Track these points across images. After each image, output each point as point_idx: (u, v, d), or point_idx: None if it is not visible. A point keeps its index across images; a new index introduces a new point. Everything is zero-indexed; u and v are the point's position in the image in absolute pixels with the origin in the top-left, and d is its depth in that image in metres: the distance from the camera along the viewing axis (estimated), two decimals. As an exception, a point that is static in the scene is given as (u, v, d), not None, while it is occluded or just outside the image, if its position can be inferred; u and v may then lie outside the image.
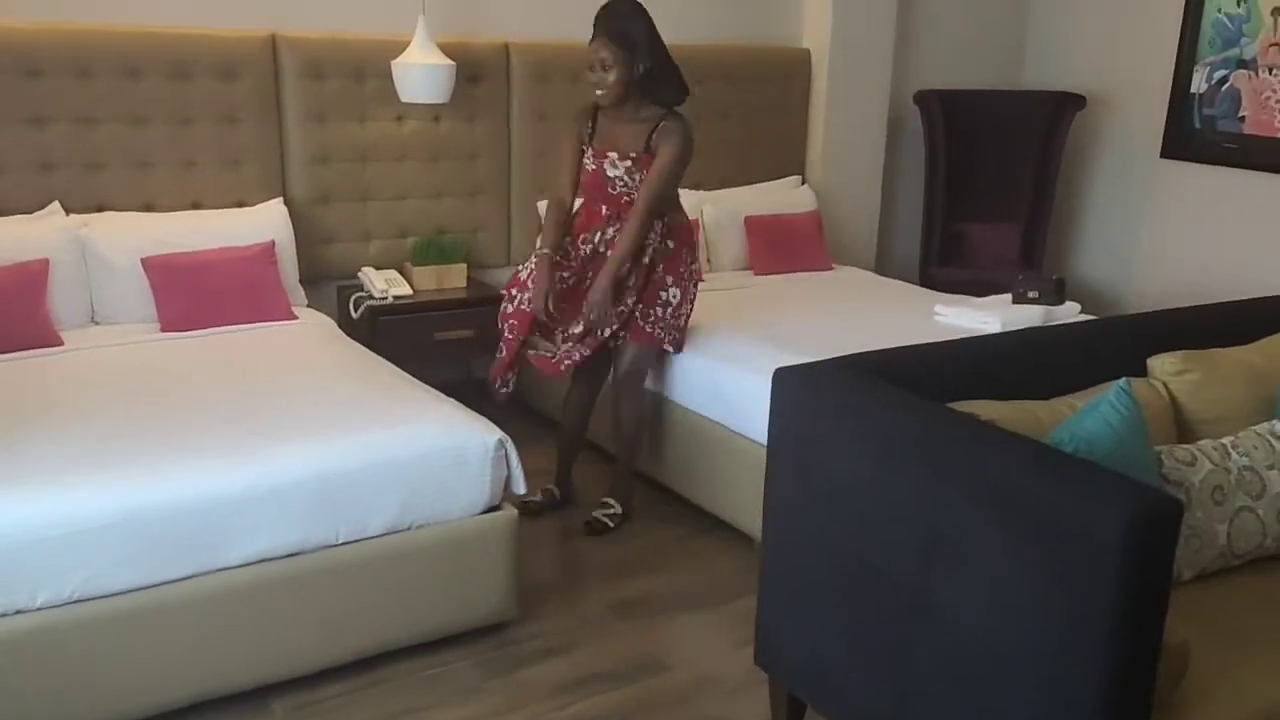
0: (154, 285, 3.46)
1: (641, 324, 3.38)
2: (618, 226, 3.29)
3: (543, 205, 4.37)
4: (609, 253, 3.27)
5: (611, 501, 3.51)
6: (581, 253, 3.35)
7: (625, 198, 3.29)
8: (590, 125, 3.35)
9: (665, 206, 3.31)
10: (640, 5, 3.23)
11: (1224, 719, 1.83)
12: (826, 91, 4.94)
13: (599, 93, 3.22)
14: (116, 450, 2.45)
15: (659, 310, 3.39)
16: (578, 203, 3.42)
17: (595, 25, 3.20)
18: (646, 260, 3.31)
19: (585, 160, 3.33)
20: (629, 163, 3.26)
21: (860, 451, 2.06)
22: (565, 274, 3.35)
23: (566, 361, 3.33)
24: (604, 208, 3.33)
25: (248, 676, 2.49)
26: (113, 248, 3.48)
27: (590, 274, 3.32)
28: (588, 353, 3.33)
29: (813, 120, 5.04)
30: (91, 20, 3.56)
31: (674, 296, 3.39)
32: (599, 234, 3.33)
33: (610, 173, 3.28)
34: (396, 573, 2.62)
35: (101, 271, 3.47)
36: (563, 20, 4.39)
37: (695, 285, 3.47)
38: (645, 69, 3.19)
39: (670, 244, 3.36)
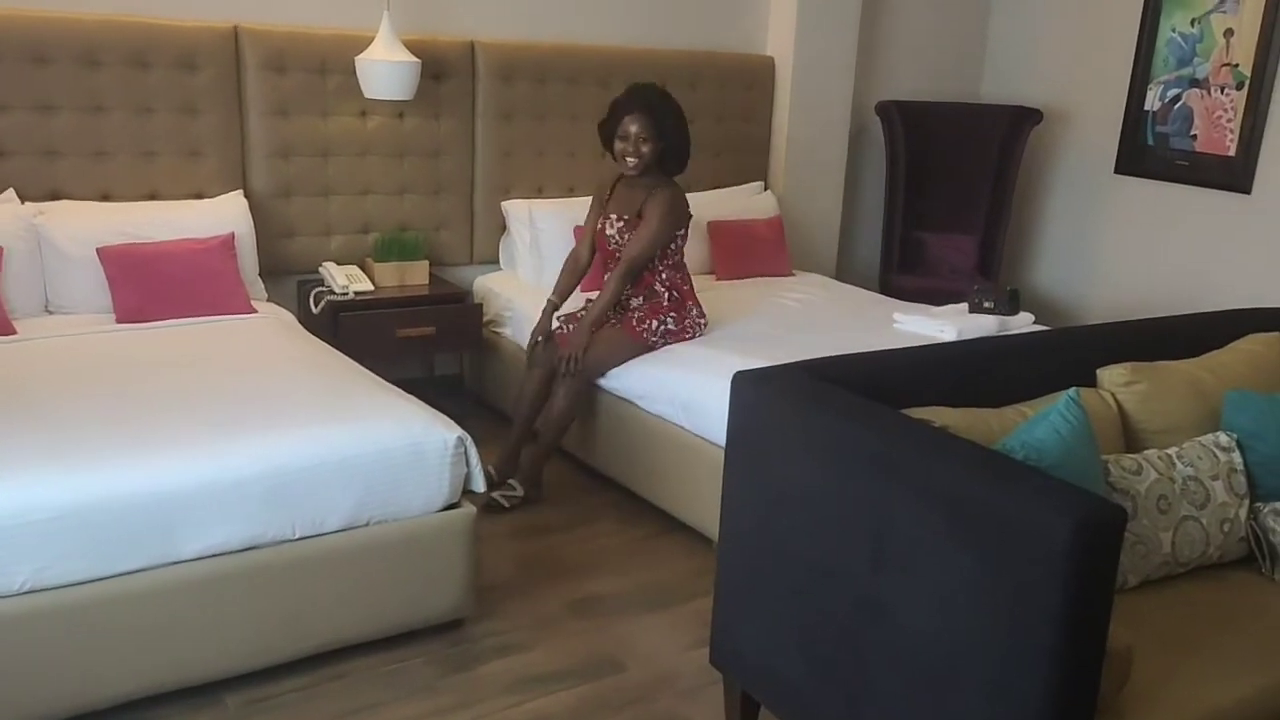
0: (110, 275, 3.42)
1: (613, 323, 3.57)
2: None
3: (507, 204, 4.40)
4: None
5: (515, 484, 3.59)
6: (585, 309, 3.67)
7: (617, 254, 3.62)
8: (609, 193, 3.69)
9: (648, 260, 3.59)
10: (676, 101, 3.62)
11: (1165, 722, 1.88)
12: (790, 99, 4.99)
13: (630, 162, 3.52)
14: (69, 441, 2.42)
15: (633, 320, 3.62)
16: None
17: (633, 103, 3.51)
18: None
19: (600, 222, 3.67)
20: (622, 223, 3.59)
21: (815, 455, 2.09)
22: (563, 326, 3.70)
23: None
24: (606, 267, 3.68)
25: (201, 671, 2.47)
26: (68, 237, 3.43)
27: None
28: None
29: (776, 127, 5.09)
30: (51, 8, 3.51)
31: (652, 326, 3.61)
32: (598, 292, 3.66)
33: (608, 232, 3.62)
34: (353, 569, 2.61)
35: (56, 260, 3.42)
36: (528, 20, 4.41)
37: (661, 334, 3.62)
38: (669, 145, 3.55)
39: (653, 299, 3.64)
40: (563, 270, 3.78)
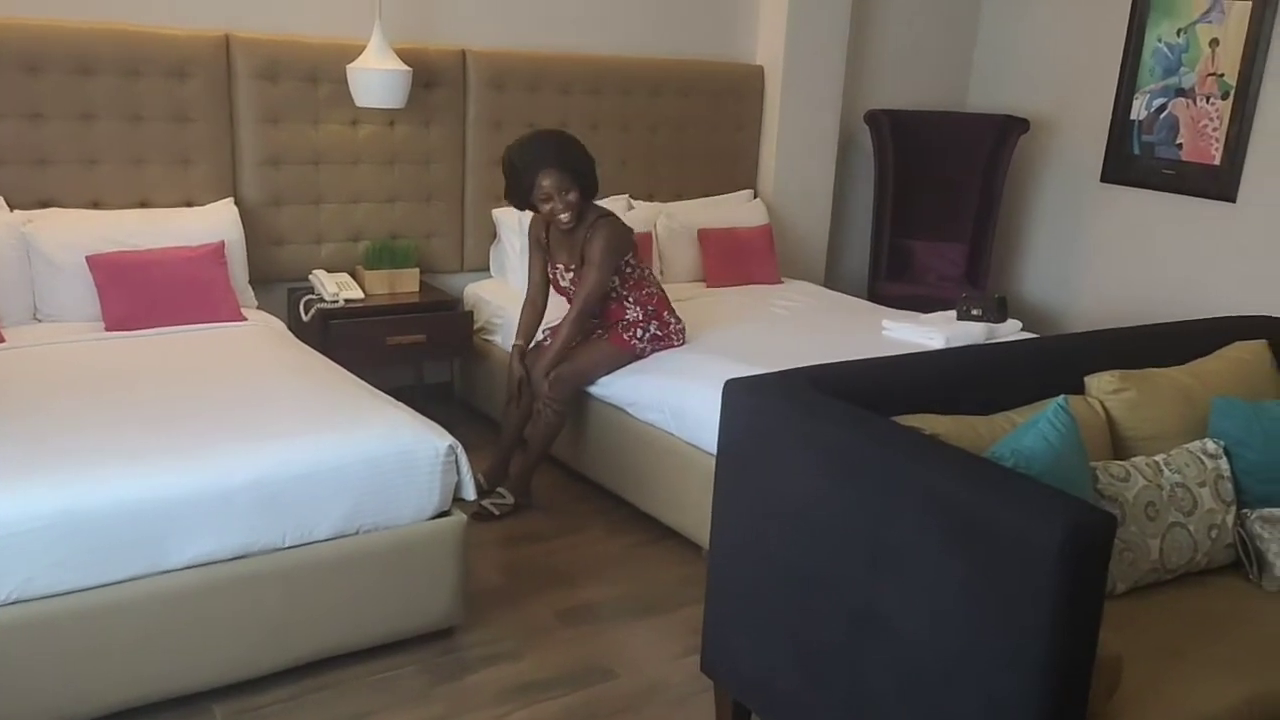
0: (99, 283, 3.41)
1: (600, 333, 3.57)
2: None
3: (498, 212, 4.40)
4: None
5: (505, 492, 3.61)
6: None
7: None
8: (545, 237, 3.64)
9: (600, 298, 3.59)
10: (569, 134, 3.57)
11: (1153, 728, 1.89)
12: (779, 108, 5.01)
13: (564, 218, 3.45)
14: (58, 450, 2.41)
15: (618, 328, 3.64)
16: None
17: (548, 162, 3.39)
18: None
19: (549, 270, 3.68)
20: (571, 273, 3.60)
21: (806, 463, 2.10)
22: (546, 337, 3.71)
23: None
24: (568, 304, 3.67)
25: (189, 681, 2.46)
26: (57, 245, 3.42)
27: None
28: None
29: (765, 135, 5.11)
30: (42, 15, 3.51)
31: (638, 334, 3.62)
32: None
33: (562, 284, 3.66)
34: (343, 577, 2.60)
35: (45, 268, 3.41)
36: (519, 29, 4.42)
37: (649, 340, 3.64)
38: (585, 182, 3.49)
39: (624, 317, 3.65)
40: (521, 317, 3.70)
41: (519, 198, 3.51)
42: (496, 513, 3.54)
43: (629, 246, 3.59)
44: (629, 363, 3.61)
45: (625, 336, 3.61)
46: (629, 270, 3.62)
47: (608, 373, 3.60)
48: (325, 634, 2.62)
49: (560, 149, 3.42)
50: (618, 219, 3.57)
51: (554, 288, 3.70)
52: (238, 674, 2.53)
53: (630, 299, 3.64)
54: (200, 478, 2.41)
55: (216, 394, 2.83)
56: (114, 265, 3.43)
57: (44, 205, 3.56)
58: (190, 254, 3.56)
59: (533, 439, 3.62)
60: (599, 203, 3.63)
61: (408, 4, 4.12)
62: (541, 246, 3.65)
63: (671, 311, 3.72)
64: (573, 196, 3.42)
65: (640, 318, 3.64)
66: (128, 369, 3.02)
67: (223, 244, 3.64)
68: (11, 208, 3.48)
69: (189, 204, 3.81)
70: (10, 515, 2.20)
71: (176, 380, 2.93)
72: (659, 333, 3.65)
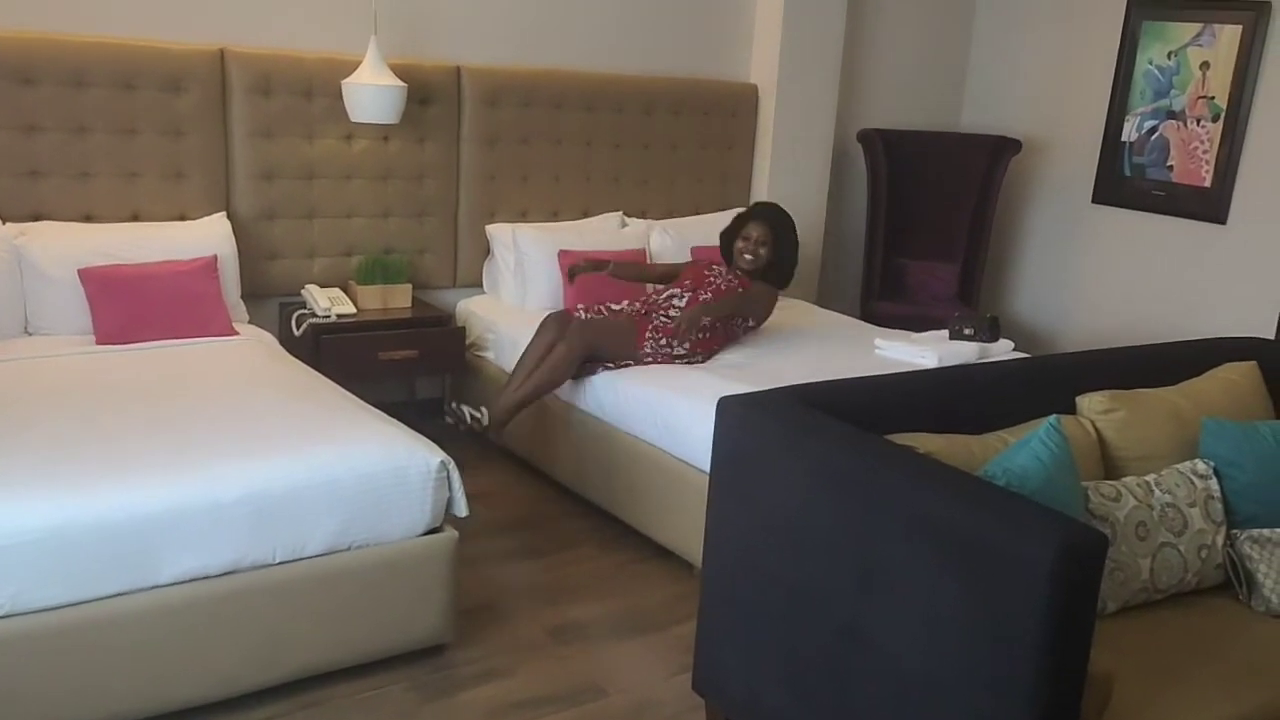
0: (91, 297, 3.41)
1: (646, 315, 3.82)
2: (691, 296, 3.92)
3: (491, 228, 4.41)
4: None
5: (485, 411, 3.73)
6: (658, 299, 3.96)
7: (706, 288, 3.95)
8: (705, 271, 4.04)
9: (715, 317, 3.88)
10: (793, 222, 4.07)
11: (1144, 748, 1.89)
12: (773, 127, 5.03)
13: (747, 258, 3.96)
14: (47, 463, 2.40)
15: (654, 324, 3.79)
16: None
17: (760, 214, 4.01)
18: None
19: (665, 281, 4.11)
20: (687, 297, 3.92)
21: (799, 480, 2.10)
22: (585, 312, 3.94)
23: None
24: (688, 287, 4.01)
25: (178, 696, 2.45)
26: (49, 258, 3.42)
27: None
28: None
29: (759, 154, 5.13)
30: (36, 28, 3.51)
31: (661, 341, 3.75)
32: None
33: (664, 293, 3.98)
34: (334, 594, 2.59)
35: (37, 281, 3.40)
36: (514, 45, 4.43)
37: (653, 353, 3.75)
38: (780, 258, 3.99)
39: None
40: (640, 267, 4.18)
41: (726, 242, 4.05)
42: (463, 423, 3.63)
43: (760, 315, 4.00)
44: (628, 360, 3.68)
45: (645, 337, 3.71)
46: (736, 324, 3.91)
47: (608, 349, 3.68)
48: (315, 650, 2.60)
49: (780, 218, 4.01)
50: (776, 295, 4.03)
51: (645, 283, 4.10)
52: (227, 690, 2.51)
53: (704, 335, 3.80)
54: (191, 492, 2.40)
55: (207, 408, 2.82)
56: (106, 278, 3.43)
57: (36, 218, 3.56)
58: (182, 268, 3.55)
59: (535, 377, 3.68)
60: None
61: (403, 20, 4.14)
62: (700, 271, 4.03)
63: (702, 355, 3.82)
64: (764, 251, 3.94)
65: (675, 344, 3.74)
66: (119, 383, 3.01)
67: (215, 258, 3.64)
68: (4, 220, 3.47)
69: (182, 218, 3.80)
70: (1, 528, 2.18)
71: (167, 394, 2.92)
72: (666, 351, 3.72)
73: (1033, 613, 1.65)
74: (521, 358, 3.83)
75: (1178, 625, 2.27)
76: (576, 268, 3.98)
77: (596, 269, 3.98)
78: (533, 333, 3.97)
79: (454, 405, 3.49)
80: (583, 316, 3.83)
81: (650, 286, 4.21)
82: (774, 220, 4.00)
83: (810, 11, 4.95)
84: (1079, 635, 1.70)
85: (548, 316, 3.87)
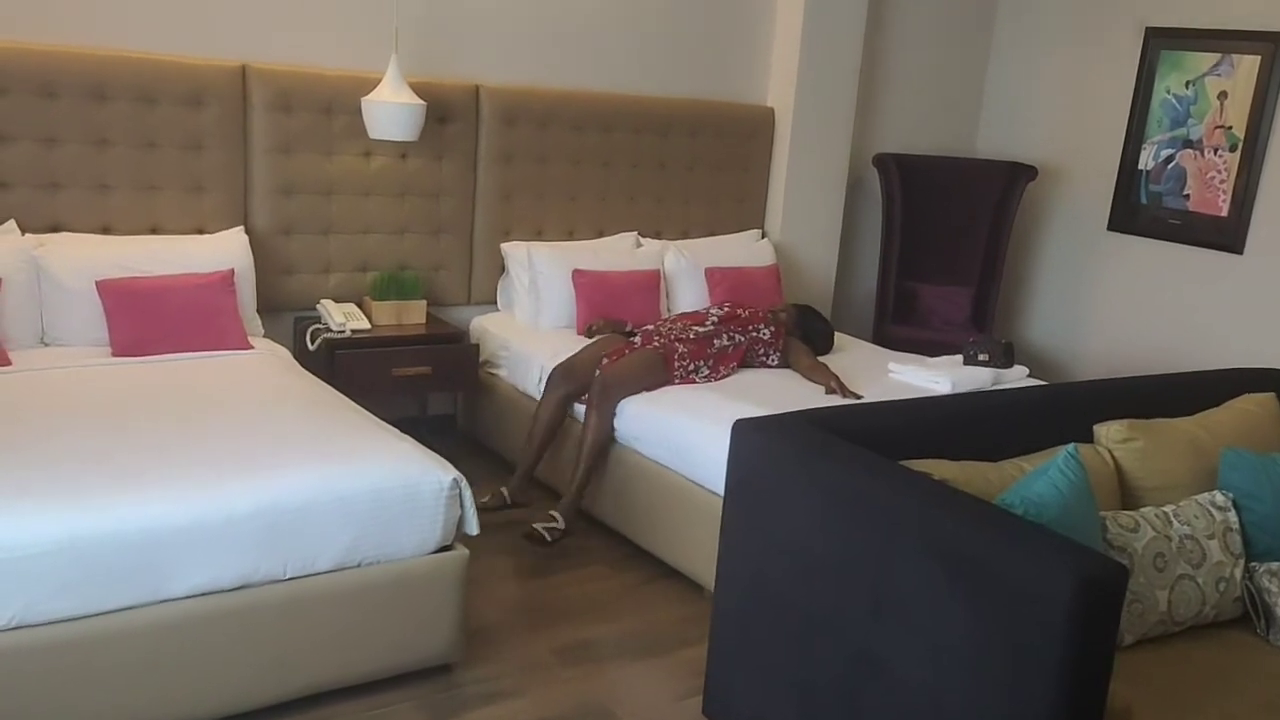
0: (108, 309, 3.42)
1: (674, 346, 3.79)
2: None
3: (507, 246, 4.42)
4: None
5: (557, 515, 3.53)
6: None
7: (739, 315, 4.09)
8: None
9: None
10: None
11: (1161, 783, 1.87)
12: (789, 149, 5.04)
13: (782, 315, 4.15)
14: (61, 475, 2.40)
15: (681, 351, 3.79)
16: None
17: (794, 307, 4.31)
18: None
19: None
20: (737, 332, 4.01)
21: (814, 505, 2.09)
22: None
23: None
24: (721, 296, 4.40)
25: (185, 711, 2.43)
26: (67, 269, 3.43)
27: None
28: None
29: (774, 176, 5.13)
30: (58, 42, 3.54)
31: (690, 365, 3.78)
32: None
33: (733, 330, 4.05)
34: (343, 610, 2.58)
35: (54, 292, 3.42)
36: (533, 66, 4.45)
37: (681, 372, 3.78)
38: (810, 330, 4.20)
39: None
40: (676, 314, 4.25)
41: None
42: (549, 539, 3.46)
43: (783, 360, 4.04)
44: (663, 382, 3.69)
45: (675, 362, 3.74)
46: (760, 351, 4.00)
47: (643, 386, 3.65)
48: (324, 667, 2.59)
49: (806, 309, 4.33)
50: (805, 350, 4.07)
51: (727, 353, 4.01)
52: (235, 706, 2.50)
53: (738, 353, 3.92)
54: (203, 506, 2.39)
55: (221, 422, 2.82)
56: (123, 291, 3.44)
57: (55, 229, 3.57)
58: (199, 281, 3.57)
59: (585, 459, 3.58)
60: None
61: (423, 38, 4.16)
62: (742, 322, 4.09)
63: (719, 376, 3.85)
64: (784, 315, 4.18)
65: (701, 365, 3.80)
66: (133, 395, 3.01)
67: (232, 272, 3.65)
68: (23, 231, 3.49)
69: (200, 231, 3.82)
70: (12, 540, 2.19)
71: (181, 407, 2.92)
72: (691, 373, 3.76)
73: (1051, 645, 1.63)
74: (533, 418, 3.76)
75: (1195, 659, 2.24)
76: (593, 327, 4.12)
77: (615, 329, 4.06)
78: (544, 349, 3.97)
79: (534, 527, 3.43)
80: (598, 374, 3.67)
81: (665, 311, 4.21)
82: (802, 308, 4.30)
83: (828, 36, 4.97)
84: (1098, 669, 1.68)
85: (554, 372, 3.78)
